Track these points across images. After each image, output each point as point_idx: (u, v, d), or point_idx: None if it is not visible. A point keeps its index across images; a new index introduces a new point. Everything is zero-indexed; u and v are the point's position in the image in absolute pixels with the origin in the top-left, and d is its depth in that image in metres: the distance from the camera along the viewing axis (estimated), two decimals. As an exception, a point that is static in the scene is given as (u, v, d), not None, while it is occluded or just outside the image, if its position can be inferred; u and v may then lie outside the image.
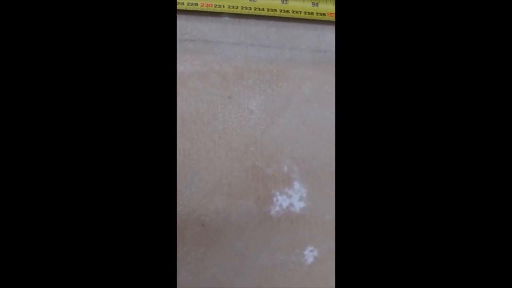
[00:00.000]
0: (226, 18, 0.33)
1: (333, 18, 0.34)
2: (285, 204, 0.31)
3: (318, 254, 0.31)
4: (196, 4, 0.32)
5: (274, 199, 0.31)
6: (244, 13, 0.33)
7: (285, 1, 0.33)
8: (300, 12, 0.33)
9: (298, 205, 0.31)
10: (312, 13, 0.33)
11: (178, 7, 0.32)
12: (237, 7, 0.33)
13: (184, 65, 0.31)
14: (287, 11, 0.33)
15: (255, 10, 0.33)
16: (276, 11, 0.33)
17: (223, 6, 0.33)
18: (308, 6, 0.33)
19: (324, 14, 0.34)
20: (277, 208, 0.31)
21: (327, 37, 0.34)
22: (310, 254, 0.31)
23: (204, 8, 0.32)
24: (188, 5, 0.32)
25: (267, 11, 0.33)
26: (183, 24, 0.32)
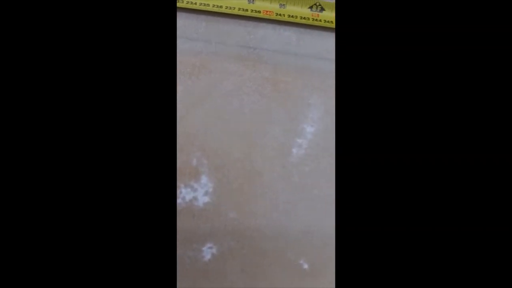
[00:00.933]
0: (157, 10, 0.33)
1: (268, 16, 0.33)
2: (188, 197, 0.30)
3: (217, 251, 0.30)
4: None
5: (178, 191, 0.30)
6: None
7: (219, -3, 0.33)
8: (234, 8, 0.33)
9: (202, 200, 0.30)
10: (246, 10, 0.33)
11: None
12: (169, 0, 0.33)
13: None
14: (221, 7, 0.33)
15: (187, 3, 0.33)
16: (209, 6, 0.33)
17: (156, -2, 0.33)
18: (243, 3, 0.33)
19: (259, 12, 0.33)
20: (179, 201, 0.30)
21: (259, 34, 0.33)
22: (208, 251, 0.30)
23: None
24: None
25: (199, 5, 0.33)
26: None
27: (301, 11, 0.33)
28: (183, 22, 0.33)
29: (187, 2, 0.33)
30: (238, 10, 0.33)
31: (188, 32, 0.33)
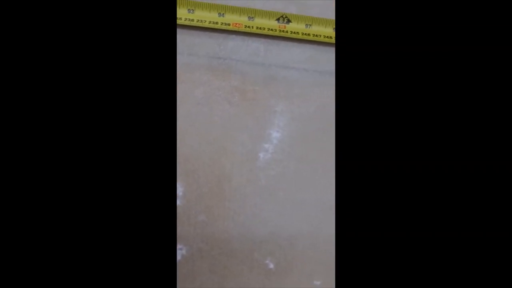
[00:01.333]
0: (132, 24, 0.35)
1: (237, 28, 0.35)
2: (159, 200, 0.32)
3: (187, 252, 0.31)
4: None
5: (150, 195, 0.32)
6: (149, 20, 0.35)
7: (191, 11, 0.35)
8: (205, 21, 0.35)
9: (173, 203, 0.31)
10: (216, 23, 0.35)
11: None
12: (143, 14, 0.35)
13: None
14: (192, 20, 0.35)
15: (160, 17, 0.35)
16: (181, 20, 0.35)
17: (130, 13, 0.35)
18: (214, 16, 0.35)
19: (229, 24, 0.35)
20: (151, 204, 0.31)
21: (228, 46, 0.35)
22: (178, 252, 0.31)
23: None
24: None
25: (172, 19, 0.35)
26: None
27: (269, 23, 0.35)
28: (156, 35, 0.35)
29: (160, 16, 0.35)
30: (209, 23, 0.35)
31: (161, 44, 0.34)
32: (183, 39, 0.35)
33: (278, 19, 0.35)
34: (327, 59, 0.35)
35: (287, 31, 0.35)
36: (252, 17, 0.35)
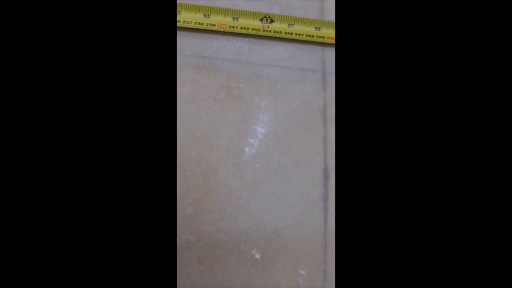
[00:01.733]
0: (120, 25, 0.36)
1: (222, 29, 0.36)
2: (148, 195, 0.33)
3: (175, 244, 0.32)
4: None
5: (139, 189, 0.33)
6: (137, 21, 0.36)
7: (178, 12, 0.36)
8: (191, 22, 0.36)
9: (161, 197, 0.33)
10: (202, 24, 0.36)
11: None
12: (131, 16, 0.36)
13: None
14: (179, 21, 0.36)
15: (147, 19, 0.36)
16: (168, 21, 0.36)
17: (119, 15, 0.36)
18: (199, 17, 0.36)
19: (214, 25, 0.36)
20: (140, 198, 0.32)
21: (214, 45, 0.36)
22: (167, 244, 0.32)
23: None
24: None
25: (159, 20, 0.36)
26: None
27: (253, 23, 0.36)
28: (143, 36, 0.36)
29: (148, 18, 0.36)
30: (195, 24, 0.36)
31: (148, 44, 0.36)
32: (170, 40, 0.36)
33: (261, 19, 0.36)
34: (309, 57, 0.36)
35: (270, 31, 0.36)
36: (237, 18, 0.36)
